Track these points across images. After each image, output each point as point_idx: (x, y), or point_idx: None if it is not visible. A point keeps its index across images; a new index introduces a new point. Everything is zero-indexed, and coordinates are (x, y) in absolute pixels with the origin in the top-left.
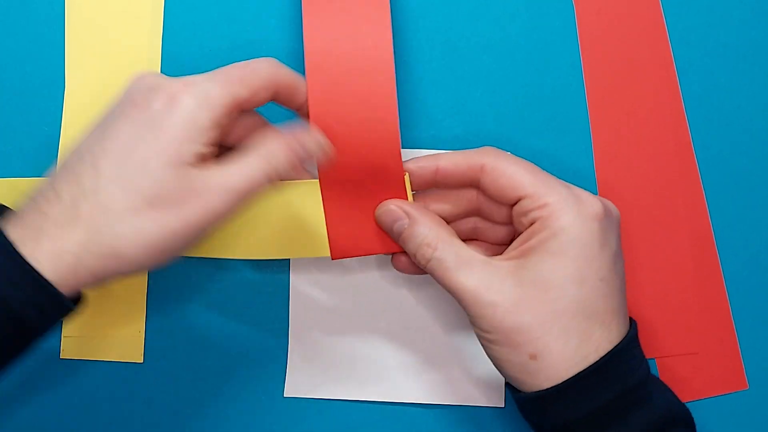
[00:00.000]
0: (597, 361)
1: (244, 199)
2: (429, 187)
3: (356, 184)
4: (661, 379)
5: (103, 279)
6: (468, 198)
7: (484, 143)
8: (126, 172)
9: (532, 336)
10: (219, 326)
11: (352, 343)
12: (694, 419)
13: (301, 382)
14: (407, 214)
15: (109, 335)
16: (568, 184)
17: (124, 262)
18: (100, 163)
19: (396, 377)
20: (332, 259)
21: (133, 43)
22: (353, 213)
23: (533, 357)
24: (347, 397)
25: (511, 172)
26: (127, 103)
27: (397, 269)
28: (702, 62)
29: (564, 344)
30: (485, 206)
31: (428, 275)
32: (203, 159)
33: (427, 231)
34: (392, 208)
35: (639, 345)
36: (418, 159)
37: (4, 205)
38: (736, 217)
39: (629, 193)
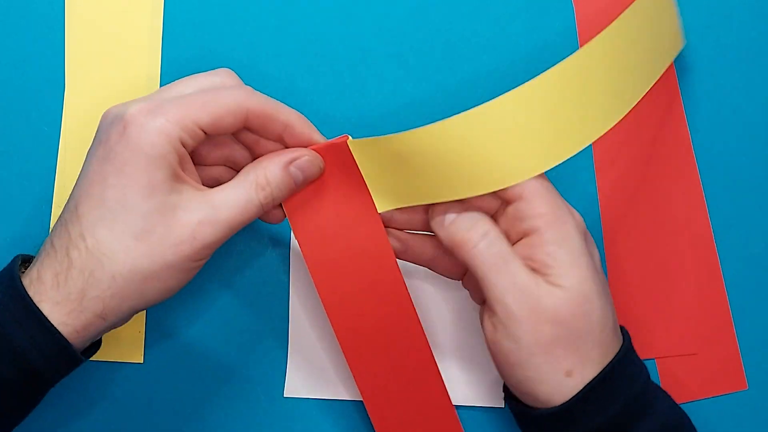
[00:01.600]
0: (611, 361)
1: (234, 229)
2: None
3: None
4: (661, 379)
5: (110, 320)
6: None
7: None
8: (105, 213)
9: (571, 351)
10: (219, 326)
11: None
12: (694, 419)
13: (301, 382)
14: (457, 204)
15: (109, 335)
16: (555, 191)
17: (124, 300)
18: (80, 209)
19: None
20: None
21: (133, 43)
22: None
23: (569, 374)
24: (347, 397)
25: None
26: (95, 142)
27: (387, 224)
28: (702, 62)
29: (597, 357)
30: (440, 261)
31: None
32: (180, 181)
33: (481, 215)
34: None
35: (634, 350)
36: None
37: (28, 257)
38: (736, 217)
39: (629, 194)
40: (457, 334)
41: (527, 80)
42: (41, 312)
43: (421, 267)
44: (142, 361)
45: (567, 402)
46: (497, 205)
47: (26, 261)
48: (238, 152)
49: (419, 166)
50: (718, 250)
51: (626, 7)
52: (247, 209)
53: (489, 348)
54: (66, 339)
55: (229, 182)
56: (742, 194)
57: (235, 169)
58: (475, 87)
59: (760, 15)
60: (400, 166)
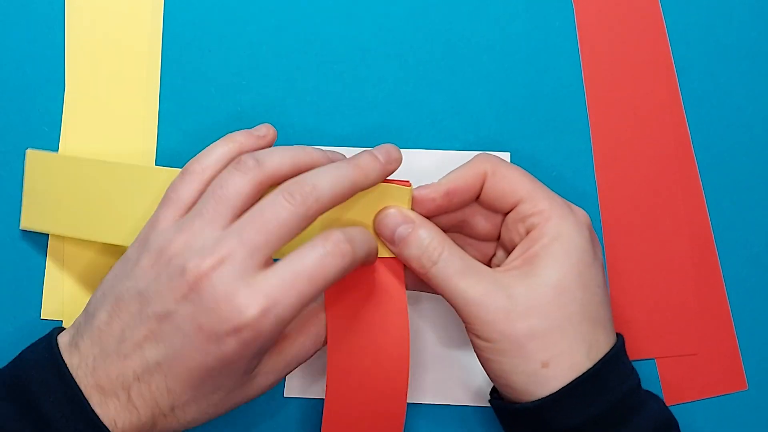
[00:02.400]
0: (596, 364)
1: None
2: (441, 213)
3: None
4: (661, 379)
5: None
6: (454, 214)
7: (484, 143)
8: (201, 394)
9: (547, 341)
10: None
11: None
12: (695, 419)
13: (301, 382)
14: (410, 218)
15: None
16: (557, 194)
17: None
18: (173, 387)
19: None
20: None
21: (133, 43)
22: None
23: (545, 365)
24: None
25: (511, 176)
26: (194, 327)
27: None
28: (702, 62)
29: (576, 350)
30: (472, 220)
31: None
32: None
33: (434, 234)
34: (393, 212)
35: (626, 354)
36: (423, 190)
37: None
38: (736, 217)
39: (629, 194)
40: (455, 333)
41: (527, 80)
42: None
43: None
44: None
45: (546, 398)
46: (497, 222)
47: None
48: None
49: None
50: (718, 250)
51: (626, 8)
52: (300, 359)
53: (472, 344)
54: None
55: (300, 335)
56: (742, 194)
57: None
58: (475, 87)
59: (760, 15)
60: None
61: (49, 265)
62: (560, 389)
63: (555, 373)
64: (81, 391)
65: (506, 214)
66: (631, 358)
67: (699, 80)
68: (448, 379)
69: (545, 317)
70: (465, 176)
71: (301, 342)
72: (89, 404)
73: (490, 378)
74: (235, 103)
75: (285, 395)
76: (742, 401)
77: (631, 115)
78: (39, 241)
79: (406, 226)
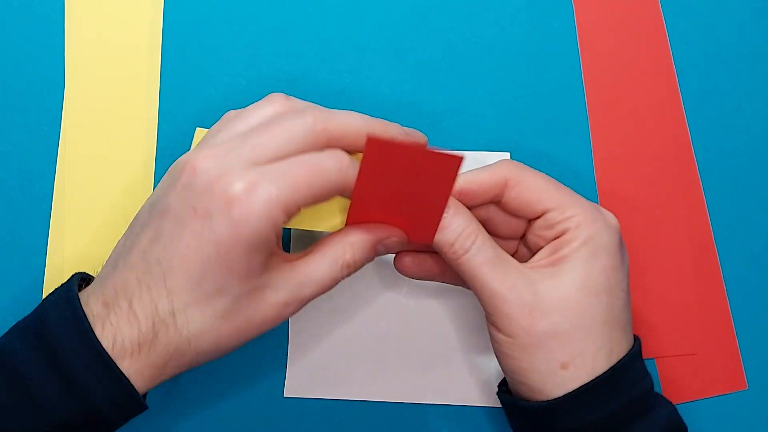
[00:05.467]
0: (616, 363)
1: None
2: None
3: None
4: (661, 379)
5: (176, 375)
6: (477, 212)
7: (484, 143)
8: (202, 295)
9: (568, 341)
10: None
11: (352, 343)
12: (695, 419)
13: (301, 382)
14: (447, 204)
15: None
16: (585, 199)
17: (198, 364)
18: (173, 284)
19: (396, 377)
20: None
21: (133, 43)
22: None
23: (564, 366)
24: (347, 397)
25: (536, 186)
26: (188, 210)
27: (400, 270)
28: (702, 62)
29: (596, 352)
30: (496, 220)
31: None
32: (272, 257)
33: (469, 221)
34: None
35: (642, 357)
36: None
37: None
38: (736, 217)
39: (629, 194)
40: (457, 333)
41: (527, 80)
42: (120, 370)
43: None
44: None
45: (558, 398)
46: (520, 225)
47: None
48: None
49: None
50: (718, 250)
51: (626, 9)
52: (330, 285)
53: (490, 338)
54: (140, 396)
55: (315, 255)
56: (742, 194)
57: None
58: (475, 87)
59: (760, 15)
60: None
61: (50, 263)
62: (574, 390)
63: (573, 374)
64: (84, 314)
65: (532, 219)
66: None
67: (699, 80)
68: (454, 379)
69: (569, 317)
70: (482, 180)
71: (317, 261)
72: (90, 326)
73: (506, 374)
74: (234, 103)
75: (285, 395)
76: (742, 401)
77: (631, 115)
78: (39, 240)
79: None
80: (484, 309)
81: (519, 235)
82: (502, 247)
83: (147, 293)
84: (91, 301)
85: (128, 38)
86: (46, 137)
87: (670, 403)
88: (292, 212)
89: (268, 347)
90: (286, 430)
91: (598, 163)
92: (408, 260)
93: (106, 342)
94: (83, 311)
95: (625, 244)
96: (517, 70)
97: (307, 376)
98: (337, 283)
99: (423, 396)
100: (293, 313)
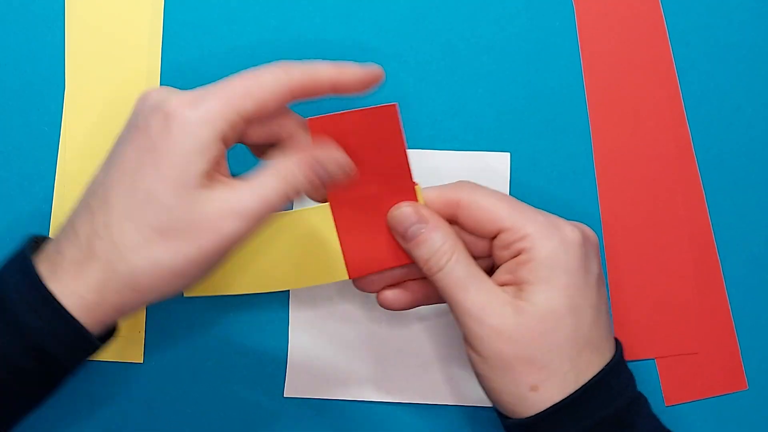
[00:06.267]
0: (584, 384)
1: (259, 221)
2: None
3: (366, 199)
4: (661, 379)
5: (126, 312)
6: None
7: (484, 143)
8: (134, 205)
9: (534, 367)
10: (219, 326)
11: (352, 343)
12: (695, 419)
13: (301, 382)
14: (425, 218)
15: None
16: (544, 212)
17: (143, 294)
18: (109, 197)
19: (396, 377)
20: (350, 278)
21: (133, 43)
22: (366, 229)
23: (534, 388)
24: (347, 397)
25: (488, 205)
26: (131, 127)
27: (384, 305)
28: (702, 62)
29: (564, 375)
30: (464, 240)
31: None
32: (210, 176)
33: (445, 238)
34: (408, 210)
35: (626, 366)
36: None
37: (41, 237)
38: (736, 217)
39: (629, 194)
40: (458, 334)
41: (527, 80)
42: (59, 302)
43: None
44: (142, 361)
45: (533, 416)
46: (485, 245)
47: (38, 240)
48: (284, 126)
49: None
50: (718, 250)
51: (626, 8)
52: (271, 201)
53: (467, 355)
54: (84, 328)
55: (256, 173)
56: (742, 194)
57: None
58: (475, 87)
59: (760, 15)
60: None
61: None
62: (545, 410)
63: (543, 396)
64: (29, 252)
65: (492, 239)
66: (631, 359)
67: (699, 80)
68: (454, 379)
69: (533, 345)
70: (433, 200)
71: (254, 176)
72: (31, 260)
73: (483, 391)
74: None
75: (285, 395)
76: (742, 401)
77: (631, 115)
78: None
79: (419, 225)
80: (459, 327)
81: (487, 254)
82: (479, 264)
83: (88, 212)
84: (48, 245)
85: (128, 38)
86: (46, 137)
87: (655, 417)
88: (234, 122)
89: (268, 347)
90: (286, 430)
91: (598, 163)
92: (389, 294)
93: (45, 268)
94: (29, 251)
95: (596, 256)
96: (517, 70)
97: (307, 376)
98: (283, 202)
99: (423, 396)
100: (235, 232)
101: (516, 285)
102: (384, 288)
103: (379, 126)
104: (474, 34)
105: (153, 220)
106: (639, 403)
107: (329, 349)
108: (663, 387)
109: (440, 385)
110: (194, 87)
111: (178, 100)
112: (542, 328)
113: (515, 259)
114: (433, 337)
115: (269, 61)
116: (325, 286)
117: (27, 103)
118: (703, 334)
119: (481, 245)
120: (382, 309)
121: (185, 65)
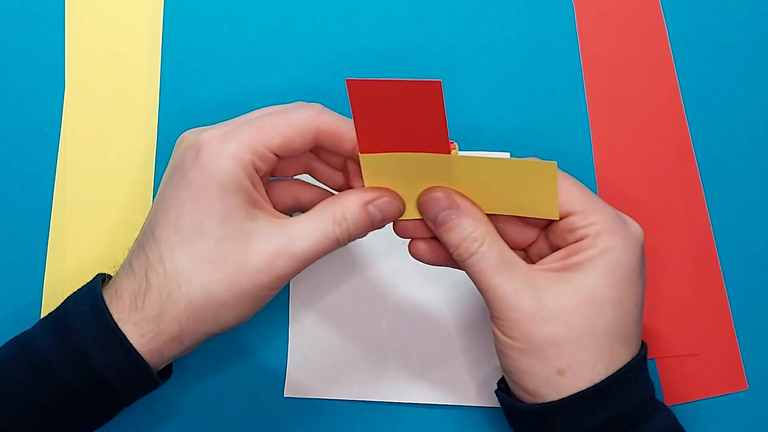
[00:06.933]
0: (609, 377)
1: (309, 263)
2: None
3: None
4: (661, 379)
5: (189, 344)
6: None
7: (484, 143)
8: (183, 238)
9: (565, 350)
10: None
11: (352, 343)
12: (695, 419)
13: (301, 382)
14: (456, 204)
15: None
16: (612, 207)
17: (202, 325)
18: (157, 233)
19: (396, 377)
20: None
21: (133, 43)
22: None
23: (561, 372)
24: (347, 397)
25: (563, 188)
26: (170, 168)
27: (415, 256)
28: (702, 62)
29: (594, 363)
30: (508, 230)
31: (437, 267)
32: (254, 205)
33: (476, 224)
34: (439, 195)
35: (645, 366)
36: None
37: (107, 276)
38: (736, 217)
39: (629, 194)
40: (458, 334)
41: (527, 80)
42: (122, 332)
43: (423, 265)
44: None
45: (551, 402)
46: (530, 235)
47: (104, 279)
48: (316, 164)
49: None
50: (718, 250)
51: (626, 9)
52: (323, 243)
53: (492, 334)
54: (143, 359)
55: (306, 214)
56: (742, 194)
57: (316, 178)
58: (475, 87)
59: (760, 15)
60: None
61: (50, 263)
62: (569, 396)
63: (569, 381)
64: (100, 291)
65: (544, 227)
66: None
67: (699, 80)
68: (454, 379)
69: (568, 326)
70: None
71: (306, 218)
72: (103, 298)
73: (504, 372)
74: (234, 103)
75: (285, 395)
76: (742, 401)
77: (631, 116)
78: (39, 240)
79: (449, 211)
80: (489, 309)
81: (525, 246)
82: (522, 235)
83: (141, 249)
84: (108, 282)
85: (128, 38)
86: (46, 137)
87: (670, 411)
88: (262, 154)
89: (268, 347)
90: (286, 430)
91: (598, 163)
92: (423, 246)
93: (107, 299)
94: (100, 290)
95: (645, 259)
96: (517, 70)
97: (307, 376)
98: (334, 245)
99: (423, 396)
100: (288, 271)
101: (566, 267)
102: (418, 239)
103: (420, 100)
104: (474, 34)
105: (204, 251)
106: (652, 397)
107: (329, 349)
108: (663, 387)
109: (440, 385)
110: (194, 87)
111: (209, 135)
112: (579, 313)
113: (575, 244)
114: (433, 337)
115: (269, 61)
116: (325, 285)
117: (27, 103)
118: (704, 335)
119: (526, 234)
120: (382, 309)
121: (185, 65)
